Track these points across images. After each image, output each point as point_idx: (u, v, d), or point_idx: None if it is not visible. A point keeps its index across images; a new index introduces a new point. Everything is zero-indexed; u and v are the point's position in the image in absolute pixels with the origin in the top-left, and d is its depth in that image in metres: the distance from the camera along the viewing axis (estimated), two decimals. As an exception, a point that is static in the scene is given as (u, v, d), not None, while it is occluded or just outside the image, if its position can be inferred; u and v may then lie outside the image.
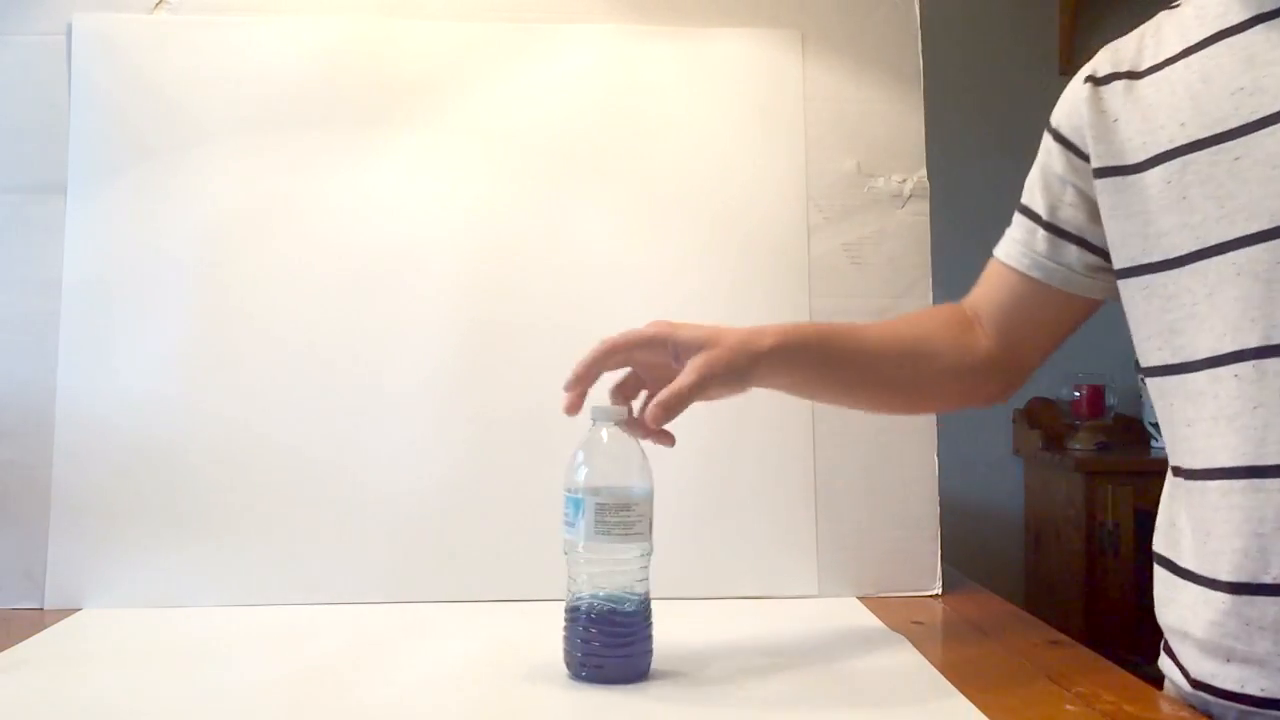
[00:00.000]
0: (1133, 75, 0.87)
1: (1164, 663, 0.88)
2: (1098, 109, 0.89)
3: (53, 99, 1.16)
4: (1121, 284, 0.88)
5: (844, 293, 1.20)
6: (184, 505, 1.12)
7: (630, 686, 0.84)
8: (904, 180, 1.23)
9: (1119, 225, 0.86)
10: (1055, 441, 2.56)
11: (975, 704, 0.79)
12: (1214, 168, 0.78)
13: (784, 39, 1.24)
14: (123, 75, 1.17)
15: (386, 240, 1.18)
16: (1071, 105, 0.93)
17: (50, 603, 1.09)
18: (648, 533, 0.85)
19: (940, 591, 1.16)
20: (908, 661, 0.92)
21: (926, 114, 1.24)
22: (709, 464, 1.17)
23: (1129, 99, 0.86)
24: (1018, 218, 0.98)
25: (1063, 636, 1.00)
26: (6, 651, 0.93)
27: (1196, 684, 0.81)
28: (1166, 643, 0.87)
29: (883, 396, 1.00)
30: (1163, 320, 0.83)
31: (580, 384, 0.88)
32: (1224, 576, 0.78)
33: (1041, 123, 0.98)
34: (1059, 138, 0.94)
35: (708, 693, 0.84)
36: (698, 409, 1.18)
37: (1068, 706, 0.80)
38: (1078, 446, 2.50)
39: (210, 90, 1.18)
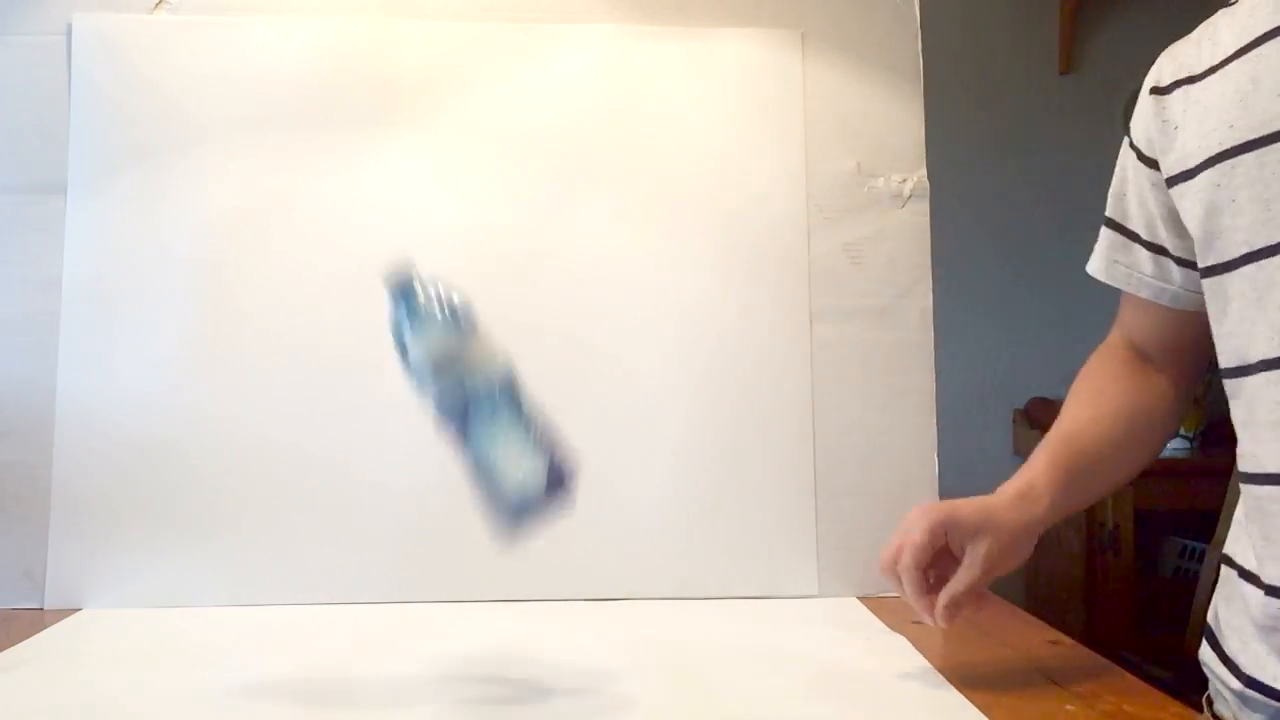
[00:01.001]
0: (1191, 80, 0.86)
1: (1205, 654, 0.88)
2: (1161, 119, 0.88)
3: (53, 99, 1.16)
4: (1203, 283, 0.87)
5: (844, 293, 1.20)
6: (184, 505, 1.12)
7: (630, 689, 0.84)
8: (904, 180, 1.23)
9: (1190, 229, 0.86)
10: (1055, 441, 2.56)
11: (975, 704, 0.79)
12: (1261, 169, 0.78)
13: (784, 39, 1.24)
14: (123, 75, 1.17)
15: (386, 239, 1.18)
16: (1142, 119, 0.92)
17: (50, 603, 1.09)
18: None
19: (940, 591, 1.16)
20: (908, 661, 0.92)
21: (926, 114, 1.24)
22: (709, 464, 1.17)
23: (1188, 104, 0.86)
24: (1145, 254, 0.95)
25: (1063, 636, 1.00)
26: (6, 651, 0.93)
27: (1248, 681, 0.81)
28: (1215, 638, 0.87)
29: (1124, 479, 0.99)
30: (1222, 324, 0.84)
31: (928, 608, 0.84)
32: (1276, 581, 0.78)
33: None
34: (1140, 155, 0.93)
35: (708, 693, 0.83)
36: (696, 409, 1.18)
37: (1068, 706, 0.80)
38: (1078, 447, 2.49)
39: (210, 90, 1.18)
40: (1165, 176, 0.88)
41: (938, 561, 0.83)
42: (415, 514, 1.14)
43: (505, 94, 1.21)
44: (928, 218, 1.23)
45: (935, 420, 1.20)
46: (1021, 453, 2.67)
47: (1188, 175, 0.85)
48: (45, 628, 1.01)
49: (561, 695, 0.83)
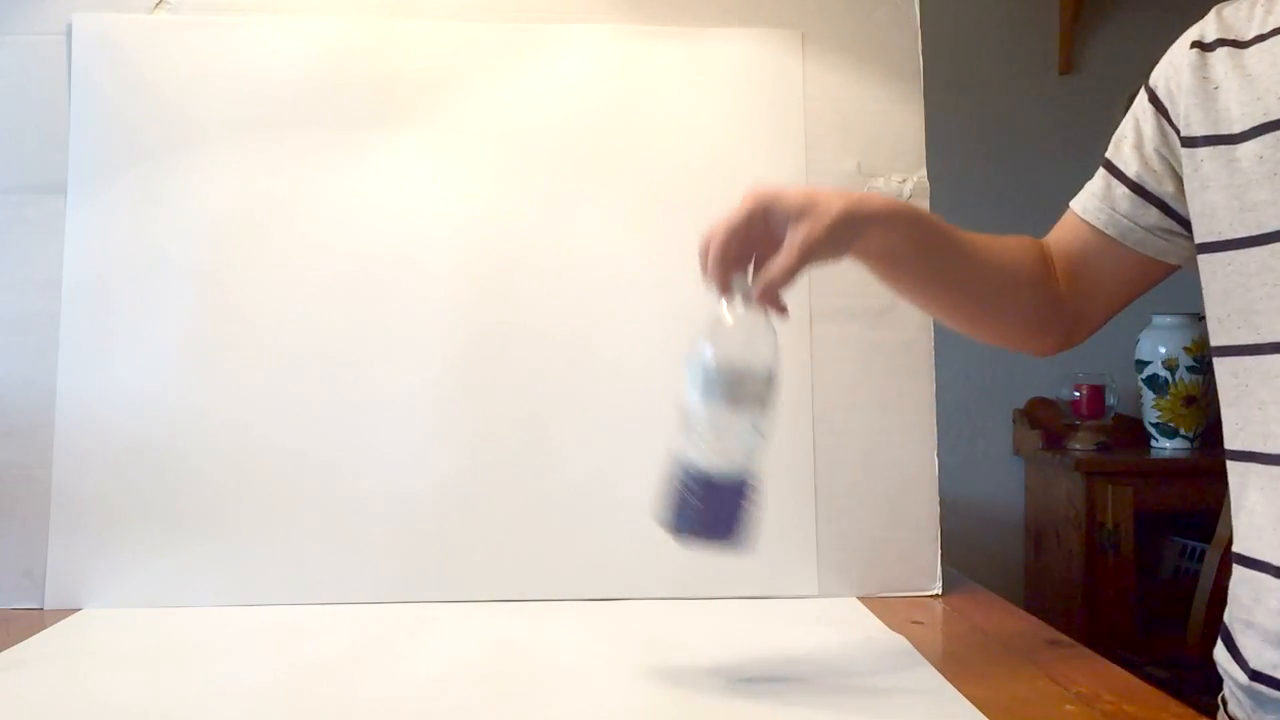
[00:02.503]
0: (1238, 44, 0.85)
1: (1219, 654, 0.88)
2: (1200, 75, 0.86)
3: (53, 99, 1.16)
4: (1203, 258, 0.86)
5: (844, 293, 1.20)
6: (184, 505, 1.12)
7: (630, 689, 0.84)
8: (904, 180, 1.23)
9: (1208, 197, 0.84)
10: (1055, 441, 2.56)
11: (975, 704, 0.79)
12: None
13: (784, 39, 1.24)
14: (123, 75, 1.17)
15: (386, 240, 1.18)
16: (1172, 68, 0.90)
17: (50, 603, 1.09)
18: (759, 408, 0.82)
19: (940, 591, 1.16)
20: (908, 661, 0.91)
21: (926, 114, 1.24)
22: (709, 464, 1.17)
23: (1232, 66, 0.84)
24: (1100, 172, 0.96)
25: (1063, 636, 1.00)
26: (6, 651, 0.93)
27: (1255, 675, 0.81)
28: (1227, 634, 0.87)
29: (962, 303, 0.96)
30: (1245, 298, 0.81)
31: (724, 287, 0.83)
32: None
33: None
34: (1154, 98, 0.91)
35: (708, 693, 0.84)
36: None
37: (1068, 706, 0.80)
38: (1078, 446, 2.50)
39: (210, 90, 1.18)
40: (1184, 135, 0.86)
41: (759, 247, 0.82)
42: (415, 514, 1.14)
43: (505, 94, 1.21)
44: (928, 218, 1.23)
45: (935, 420, 1.20)
46: (1022, 453, 2.68)
47: (1220, 140, 0.83)
48: (45, 628, 1.01)
49: (561, 695, 0.83)
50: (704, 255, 0.82)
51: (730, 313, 0.82)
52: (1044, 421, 2.62)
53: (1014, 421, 2.71)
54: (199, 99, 1.18)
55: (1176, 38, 0.93)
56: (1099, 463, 2.39)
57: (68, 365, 1.13)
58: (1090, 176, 0.99)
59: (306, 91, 1.19)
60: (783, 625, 1.04)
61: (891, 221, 0.86)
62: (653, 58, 1.23)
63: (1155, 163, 0.91)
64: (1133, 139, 0.93)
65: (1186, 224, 0.89)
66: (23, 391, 1.12)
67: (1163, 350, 2.44)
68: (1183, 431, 2.46)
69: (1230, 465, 0.86)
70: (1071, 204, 0.98)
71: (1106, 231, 0.94)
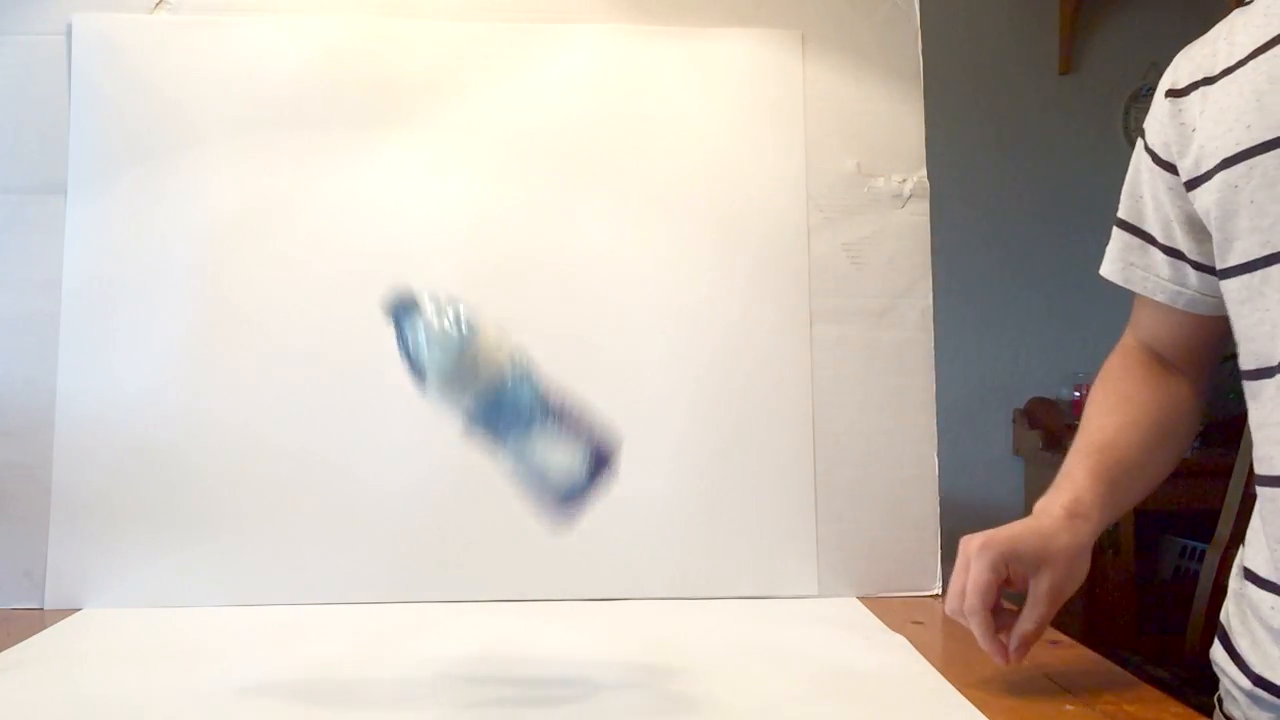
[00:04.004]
0: (1208, 81, 0.86)
1: (1217, 654, 0.88)
2: (1179, 122, 0.87)
3: (53, 99, 1.16)
4: (1221, 285, 0.87)
5: (844, 293, 1.20)
6: (184, 505, 1.12)
7: (630, 689, 0.84)
8: (904, 180, 1.23)
9: (1211, 230, 0.85)
10: (1055, 441, 2.56)
11: (975, 704, 0.79)
12: None
13: (784, 39, 1.24)
14: (123, 75, 1.17)
15: (386, 240, 1.18)
16: (1158, 123, 0.91)
17: (50, 603, 1.09)
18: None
19: (940, 591, 1.16)
20: (908, 661, 0.92)
21: (926, 114, 1.24)
22: (709, 464, 1.17)
23: (1205, 105, 0.85)
24: (1164, 258, 0.94)
25: (1063, 636, 1.00)
26: (6, 651, 0.93)
27: (1257, 679, 0.81)
28: (1228, 638, 0.87)
29: (1152, 486, 0.97)
30: (1241, 325, 0.83)
31: (999, 650, 0.82)
32: None
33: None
34: (1155, 158, 0.91)
35: (707, 693, 0.83)
36: (696, 409, 1.18)
37: (1067, 706, 0.80)
38: (1078, 447, 2.49)
39: (210, 90, 1.18)
40: (1184, 180, 0.87)
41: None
42: (415, 514, 1.14)
43: (505, 94, 1.21)
44: (928, 218, 1.23)
45: (935, 420, 1.20)
46: (1022, 453, 2.68)
47: (1205, 177, 0.84)
48: (45, 628, 1.01)
49: (561, 695, 0.83)
50: (957, 613, 0.82)
51: None
52: (1044, 421, 2.62)
53: (1014, 421, 2.71)
54: (199, 99, 1.18)
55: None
56: (1099, 463, 2.39)
57: (68, 365, 1.13)
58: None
59: (306, 91, 1.19)
60: (783, 625, 1.04)
61: (1101, 526, 0.87)
62: (653, 58, 1.23)
63: (1179, 215, 0.90)
64: (1153, 204, 0.92)
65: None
66: (23, 391, 1.12)
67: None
68: (1182, 431, 2.46)
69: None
70: (1153, 295, 0.95)
71: (1193, 311, 0.93)
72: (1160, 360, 0.98)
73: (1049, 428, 2.60)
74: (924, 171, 1.23)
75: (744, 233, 1.21)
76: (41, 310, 1.13)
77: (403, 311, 0.79)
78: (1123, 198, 0.96)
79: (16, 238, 1.14)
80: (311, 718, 0.79)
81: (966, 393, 2.64)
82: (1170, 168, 0.89)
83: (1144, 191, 0.94)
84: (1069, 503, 0.85)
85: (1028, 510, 0.88)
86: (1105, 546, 2.34)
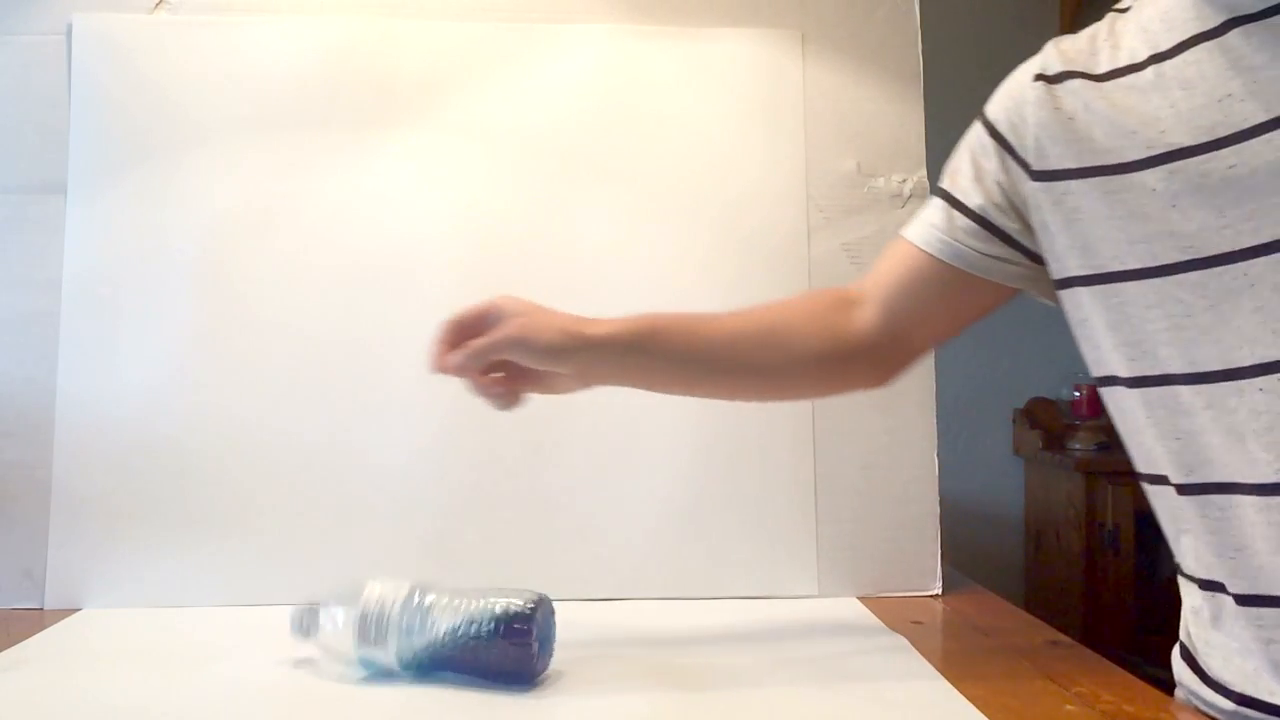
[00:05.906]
0: (1089, 76, 0.84)
1: (1182, 673, 0.85)
2: (1051, 107, 0.86)
3: (53, 99, 1.16)
4: (1072, 291, 0.85)
5: (844, 293, 1.20)
6: (185, 505, 1.12)
7: (631, 687, 0.84)
8: (904, 180, 1.23)
9: (1081, 229, 0.83)
10: (1055, 441, 2.56)
11: (975, 704, 0.79)
12: (1205, 177, 0.76)
13: (784, 39, 1.24)
14: (123, 75, 1.17)
15: (387, 239, 1.18)
16: (1013, 102, 0.89)
17: (50, 603, 1.09)
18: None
19: (940, 591, 1.16)
20: (908, 661, 0.92)
21: (926, 114, 1.24)
22: (709, 464, 1.17)
23: (1095, 98, 0.83)
24: (938, 203, 0.93)
25: (1063, 636, 1.00)
26: (6, 651, 0.93)
27: (1240, 699, 0.78)
28: (1192, 658, 0.84)
29: (738, 385, 0.97)
30: (1142, 330, 0.81)
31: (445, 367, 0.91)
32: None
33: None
34: (994, 133, 0.90)
35: (707, 693, 0.83)
36: (696, 409, 1.18)
37: (1068, 706, 0.80)
38: (1078, 446, 2.50)
39: (210, 90, 1.18)
40: (1036, 169, 0.85)
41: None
42: (416, 514, 1.14)
43: (505, 94, 1.21)
44: (928, 218, 1.23)
45: (935, 420, 1.20)
46: (1022, 453, 2.68)
47: (1105, 170, 0.82)
48: (45, 628, 1.01)
49: (560, 695, 0.83)
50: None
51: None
52: (1044, 421, 2.62)
53: (1014, 421, 2.71)
54: (199, 99, 1.18)
55: None
56: (1099, 463, 2.39)
57: (68, 365, 1.13)
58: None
59: (306, 91, 1.19)
60: (783, 625, 1.04)
61: (616, 348, 0.90)
62: (653, 58, 1.23)
63: (997, 196, 0.89)
64: (971, 172, 0.91)
65: (1029, 254, 0.88)
66: (23, 391, 1.12)
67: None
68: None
69: (1155, 492, 0.85)
70: (905, 234, 0.95)
71: (951, 262, 0.91)
72: (851, 299, 0.96)
73: (1049, 428, 2.59)
74: (924, 171, 1.23)
75: (744, 233, 1.21)
76: (42, 309, 1.13)
77: (306, 626, 0.87)
78: (946, 173, 0.94)
79: (17, 237, 1.14)
80: (311, 718, 0.79)
81: (966, 393, 2.64)
82: (1011, 151, 0.88)
83: (964, 164, 0.92)
84: (590, 318, 0.91)
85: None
86: (1105, 546, 2.34)
